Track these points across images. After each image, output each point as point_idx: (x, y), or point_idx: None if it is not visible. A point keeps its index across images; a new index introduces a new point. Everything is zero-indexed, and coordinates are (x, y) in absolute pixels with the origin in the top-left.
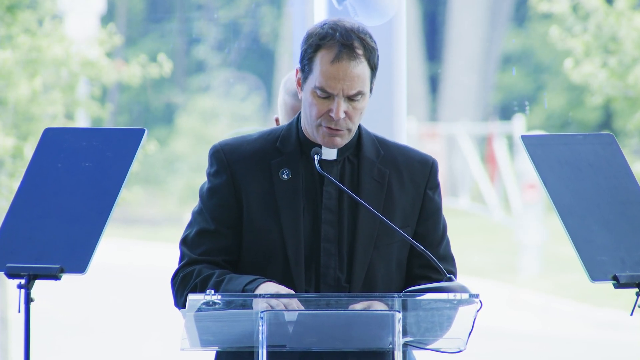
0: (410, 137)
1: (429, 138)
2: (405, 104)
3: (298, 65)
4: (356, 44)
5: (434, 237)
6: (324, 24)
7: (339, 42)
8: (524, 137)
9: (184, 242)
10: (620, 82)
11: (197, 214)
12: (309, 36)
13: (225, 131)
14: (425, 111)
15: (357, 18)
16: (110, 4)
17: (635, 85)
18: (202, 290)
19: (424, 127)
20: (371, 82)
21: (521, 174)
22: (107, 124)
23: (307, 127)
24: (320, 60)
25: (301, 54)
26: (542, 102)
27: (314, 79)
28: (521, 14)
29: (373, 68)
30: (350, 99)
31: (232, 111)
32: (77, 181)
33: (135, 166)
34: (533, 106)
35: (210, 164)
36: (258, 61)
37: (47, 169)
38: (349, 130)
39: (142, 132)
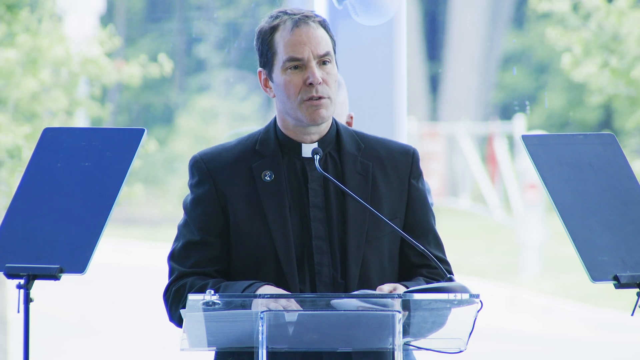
0: (410, 136)
1: (430, 138)
2: (406, 104)
3: (259, 68)
4: (307, 15)
5: (425, 226)
6: (270, 15)
7: (291, 17)
8: (524, 137)
9: (172, 256)
10: (622, 81)
11: (183, 227)
12: (259, 30)
13: (225, 131)
14: (425, 111)
15: (357, 18)
16: (110, 3)
17: (636, 83)
18: None
19: (424, 127)
20: (334, 53)
21: (522, 174)
22: (107, 124)
23: (290, 112)
24: (280, 36)
25: (260, 51)
26: (543, 102)
27: (281, 56)
28: (521, 13)
29: (332, 38)
30: (322, 62)
31: (231, 111)
32: (76, 181)
33: (135, 164)
34: (533, 106)
35: (192, 175)
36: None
37: (46, 169)
38: (330, 98)
39: (141, 132)
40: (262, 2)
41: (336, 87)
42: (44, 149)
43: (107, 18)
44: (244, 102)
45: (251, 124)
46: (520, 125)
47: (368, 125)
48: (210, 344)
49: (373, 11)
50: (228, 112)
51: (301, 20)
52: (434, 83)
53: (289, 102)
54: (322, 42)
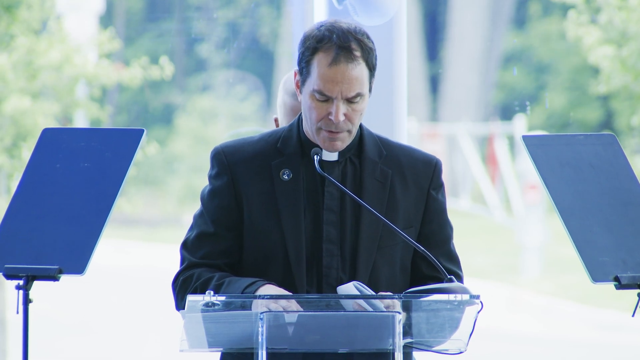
0: (410, 137)
1: (430, 138)
2: (406, 104)
3: (296, 68)
4: (353, 45)
5: (440, 238)
6: (321, 26)
7: (336, 45)
8: (525, 137)
9: (185, 245)
10: (629, 74)
11: (198, 217)
12: (305, 39)
13: (225, 131)
14: (425, 111)
15: (357, 18)
16: (109, 3)
17: None
18: (202, 293)
19: (424, 127)
20: (370, 83)
21: (522, 174)
22: (106, 125)
23: (308, 129)
24: (318, 64)
25: (299, 57)
26: (543, 102)
27: (312, 82)
28: (522, 13)
29: (371, 68)
30: (350, 101)
31: (231, 111)
32: (75, 182)
33: (132, 170)
34: (534, 106)
35: (212, 166)
36: (257, 61)
37: (45, 170)
38: (349, 131)
39: (141, 132)
40: (261, 2)
41: (361, 119)
42: (43, 150)
43: (106, 18)
44: (243, 103)
45: (251, 124)
46: (520, 125)
47: (368, 125)
48: (209, 345)
49: (373, 11)
50: (228, 112)
51: (341, 54)
52: (434, 83)
53: (309, 122)
54: (355, 83)
